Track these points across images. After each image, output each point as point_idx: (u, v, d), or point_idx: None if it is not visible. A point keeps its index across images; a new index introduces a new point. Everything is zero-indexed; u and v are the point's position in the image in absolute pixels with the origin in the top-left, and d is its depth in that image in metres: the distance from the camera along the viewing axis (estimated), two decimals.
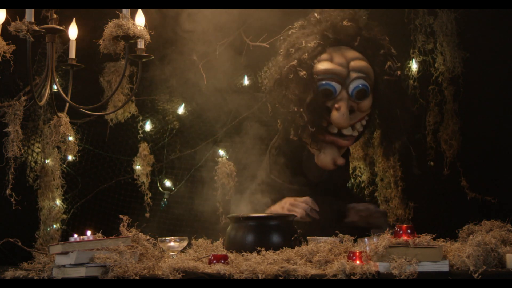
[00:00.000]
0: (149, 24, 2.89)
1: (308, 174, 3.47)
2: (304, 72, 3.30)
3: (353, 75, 3.32)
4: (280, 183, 3.46)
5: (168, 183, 3.92)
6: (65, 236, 3.65)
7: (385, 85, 3.37)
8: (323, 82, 3.31)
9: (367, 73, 3.35)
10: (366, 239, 2.56)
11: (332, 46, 3.42)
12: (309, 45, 3.38)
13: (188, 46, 3.73)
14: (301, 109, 3.30)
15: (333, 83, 3.31)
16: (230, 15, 3.63)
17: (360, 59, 3.37)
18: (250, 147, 3.81)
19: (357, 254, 2.43)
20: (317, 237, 2.89)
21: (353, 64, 3.34)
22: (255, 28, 3.73)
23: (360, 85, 3.32)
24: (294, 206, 3.25)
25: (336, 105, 3.28)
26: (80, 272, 2.41)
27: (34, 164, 3.75)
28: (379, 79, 3.37)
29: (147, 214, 3.81)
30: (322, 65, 3.34)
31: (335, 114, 3.27)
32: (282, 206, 3.27)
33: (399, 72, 3.41)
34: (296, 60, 3.36)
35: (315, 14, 3.48)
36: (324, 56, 3.37)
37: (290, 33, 3.51)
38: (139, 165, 3.85)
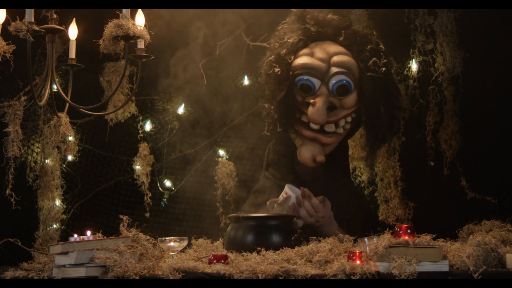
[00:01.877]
0: (150, 23, 2.89)
1: (299, 172, 3.43)
2: (278, 69, 3.26)
3: (334, 70, 3.23)
4: (273, 180, 3.42)
5: (168, 183, 3.91)
6: (64, 236, 3.65)
7: (368, 81, 3.27)
8: (303, 77, 3.27)
9: (349, 68, 3.25)
10: (366, 239, 2.56)
11: (316, 40, 3.33)
12: (289, 40, 3.32)
13: (189, 46, 3.73)
14: (272, 106, 3.28)
15: (312, 78, 3.25)
16: (230, 15, 3.64)
17: (343, 54, 3.27)
18: (250, 147, 3.82)
19: (357, 254, 2.43)
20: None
21: (335, 58, 3.25)
22: (256, 28, 3.74)
23: (341, 81, 3.24)
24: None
25: (311, 101, 3.22)
26: (80, 272, 2.41)
27: (34, 164, 3.75)
28: (363, 75, 3.28)
29: (147, 214, 3.81)
30: (301, 60, 3.28)
31: (310, 110, 3.21)
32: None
33: (383, 69, 3.26)
34: (273, 56, 3.33)
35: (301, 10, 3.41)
36: (305, 50, 3.31)
37: (280, 27, 3.45)
38: (139, 165, 3.84)
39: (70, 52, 3.06)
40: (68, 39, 3.06)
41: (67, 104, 3.06)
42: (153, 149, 3.90)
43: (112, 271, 2.36)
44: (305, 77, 3.27)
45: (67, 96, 3.02)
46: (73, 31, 3.04)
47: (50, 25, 2.87)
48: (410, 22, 3.79)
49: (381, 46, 3.33)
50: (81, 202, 3.85)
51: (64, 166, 3.82)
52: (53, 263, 2.54)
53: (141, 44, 2.88)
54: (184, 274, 2.36)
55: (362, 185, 3.89)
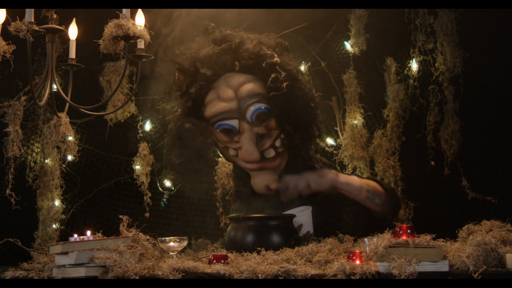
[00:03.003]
0: (149, 23, 2.89)
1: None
2: (189, 125, 3.22)
3: (246, 103, 3.15)
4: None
5: (168, 183, 3.91)
6: (64, 236, 3.65)
7: (276, 101, 3.14)
8: (221, 123, 3.18)
9: (258, 93, 3.15)
10: (366, 239, 2.56)
11: (215, 80, 3.22)
12: (190, 91, 3.21)
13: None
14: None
15: (229, 121, 3.16)
16: (231, 15, 3.64)
17: (246, 82, 3.17)
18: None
19: (357, 254, 2.43)
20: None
21: (241, 91, 3.15)
22: (258, 28, 3.74)
23: (257, 110, 3.14)
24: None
25: (236, 146, 3.19)
26: (80, 272, 2.41)
27: (33, 164, 3.75)
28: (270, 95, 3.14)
29: (147, 214, 3.81)
30: (211, 109, 3.19)
31: (240, 154, 3.19)
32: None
33: (284, 84, 3.09)
34: (180, 110, 3.26)
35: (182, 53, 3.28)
36: (210, 95, 3.21)
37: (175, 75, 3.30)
38: (139, 165, 3.84)
39: (70, 52, 3.06)
40: (68, 39, 3.06)
41: (67, 104, 3.06)
42: (153, 149, 3.90)
43: (112, 271, 2.36)
44: (223, 123, 3.18)
45: (67, 96, 3.02)
46: (73, 31, 3.04)
47: (50, 25, 2.87)
48: (410, 22, 3.79)
49: (276, 58, 3.15)
50: (80, 202, 3.85)
51: (64, 166, 3.82)
52: (53, 263, 2.54)
53: (141, 44, 2.88)
54: (184, 274, 2.36)
55: None
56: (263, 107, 3.15)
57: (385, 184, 3.39)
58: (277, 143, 3.23)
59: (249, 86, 3.17)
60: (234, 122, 3.17)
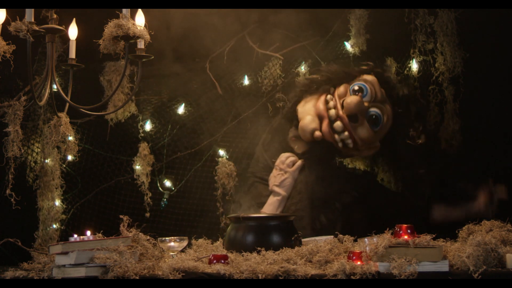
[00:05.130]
0: (149, 24, 2.89)
1: (293, 147, 3.58)
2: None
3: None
4: (267, 159, 3.59)
5: (168, 183, 3.91)
6: (64, 236, 3.65)
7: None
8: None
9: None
10: (366, 239, 2.56)
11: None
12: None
13: (189, 46, 3.74)
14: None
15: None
16: (233, 16, 3.65)
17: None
18: (250, 146, 3.82)
19: (357, 254, 2.43)
20: (315, 237, 2.89)
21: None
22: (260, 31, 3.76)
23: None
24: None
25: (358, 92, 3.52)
26: (80, 272, 2.41)
27: (34, 164, 3.75)
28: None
29: (147, 214, 3.81)
30: None
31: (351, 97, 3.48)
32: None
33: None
34: None
35: None
36: None
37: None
38: (139, 165, 3.84)
39: (70, 52, 3.06)
40: (67, 39, 3.06)
41: (67, 104, 3.06)
42: (153, 149, 3.90)
43: (112, 271, 2.36)
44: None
45: (67, 96, 3.02)
46: (73, 31, 3.03)
47: (50, 25, 2.86)
48: (410, 22, 3.79)
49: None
50: (81, 202, 3.85)
51: (64, 166, 3.82)
52: (53, 263, 2.54)
53: (141, 44, 2.88)
54: (184, 274, 2.36)
55: None
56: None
57: None
58: (345, 137, 3.52)
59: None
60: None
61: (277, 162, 3.54)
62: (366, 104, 3.46)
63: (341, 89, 3.53)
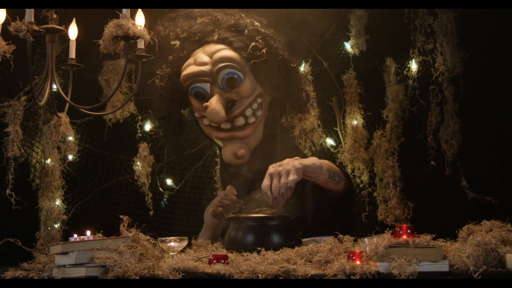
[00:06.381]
0: (149, 24, 2.89)
1: (244, 174, 3.41)
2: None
3: (217, 66, 3.28)
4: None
5: (168, 183, 3.91)
6: (66, 236, 3.65)
7: (257, 67, 3.30)
8: (193, 86, 3.33)
9: (232, 59, 3.28)
10: (366, 239, 2.56)
11: (196, 48, 3.39)
12: (170, 58, 3.43)
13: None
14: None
15: (200, 84, 3.31)
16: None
17: (223, 49, 3.31)
18: None
19: (357, 254, 2.43)
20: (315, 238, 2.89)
21: (215, 56, 3.30)
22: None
23: (227, 74, 3.27)
24: (210, 206, 3.30)
25: (204, 104, 3.28)
26: (80, 272, 2.41)
27: (34, 164, 3.75)
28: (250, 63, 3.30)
29: (151, 212, 3.82)
30: (185, 71, 3.34)
31: (206, 113, 3.27)
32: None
33: (264, 51, 3.27)
34: (166, 79, 3.46)
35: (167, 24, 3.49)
36: (189, 61, 3.37)
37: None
38: (139, 166, 3.84)
39: (70, 52, 3.06)
40: (66, 39, 3.06)
41: (67, 104, 3.06)
42: (153, 149, 3.90)
43: (112, 271, 2.36)
44: (195, 85, 3.33)
45: (67, 96, 3.02)
46: (73, 31, 3.03)
47: (50, 25, 2.86)
48: (410, 22, 3.79)
49: (256, 24, 3.35)
50: (81, 202, 3.85)
51: (64, 166, 3.82)
52: (53, 263, 2.54)
53: (141, 44, 2.88)
54: (184, 274, 2.36)
55: (362, 186, 3.89)
56: (232, 73, 3.27)
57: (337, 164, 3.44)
58: (248, 112, 3.31)
59: (224, 52, 3.30)
60: (205, 85, 3.31)
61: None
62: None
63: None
